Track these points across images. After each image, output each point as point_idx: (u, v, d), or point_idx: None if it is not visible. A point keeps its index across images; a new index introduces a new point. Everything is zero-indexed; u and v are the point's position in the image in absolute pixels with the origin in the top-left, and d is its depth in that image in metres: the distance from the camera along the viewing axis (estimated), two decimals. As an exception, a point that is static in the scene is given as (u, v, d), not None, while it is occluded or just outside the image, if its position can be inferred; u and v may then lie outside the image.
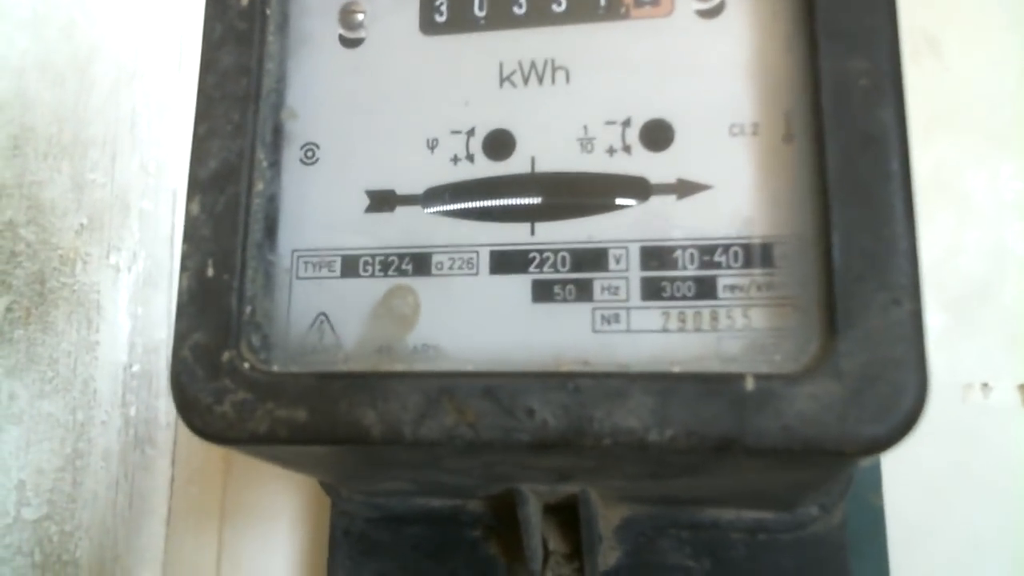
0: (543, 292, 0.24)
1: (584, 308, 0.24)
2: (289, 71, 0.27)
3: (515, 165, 0.25)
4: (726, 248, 0.23)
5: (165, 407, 0.50)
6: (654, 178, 0.24)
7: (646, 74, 0.25)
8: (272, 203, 0.26)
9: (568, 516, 0.31)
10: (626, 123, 0.25)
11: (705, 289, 0.23)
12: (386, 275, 0.25)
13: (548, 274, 0.24)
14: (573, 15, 0.26)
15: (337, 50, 0.27)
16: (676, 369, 0.22)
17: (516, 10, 0.26)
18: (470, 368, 0.23)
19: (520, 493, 0.29)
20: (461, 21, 0.27)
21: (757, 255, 0.23)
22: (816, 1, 0.23)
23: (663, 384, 0.21)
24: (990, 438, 0.40)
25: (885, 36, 0.22)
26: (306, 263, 0.26)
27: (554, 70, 0.26)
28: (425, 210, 0.26)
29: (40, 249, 0.45)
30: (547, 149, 0.25)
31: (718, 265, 0.23)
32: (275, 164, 0.26)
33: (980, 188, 0.42)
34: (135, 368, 0.49)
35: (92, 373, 0.47)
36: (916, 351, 0.20)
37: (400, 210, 0.26)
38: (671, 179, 0.24)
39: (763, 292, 0.23)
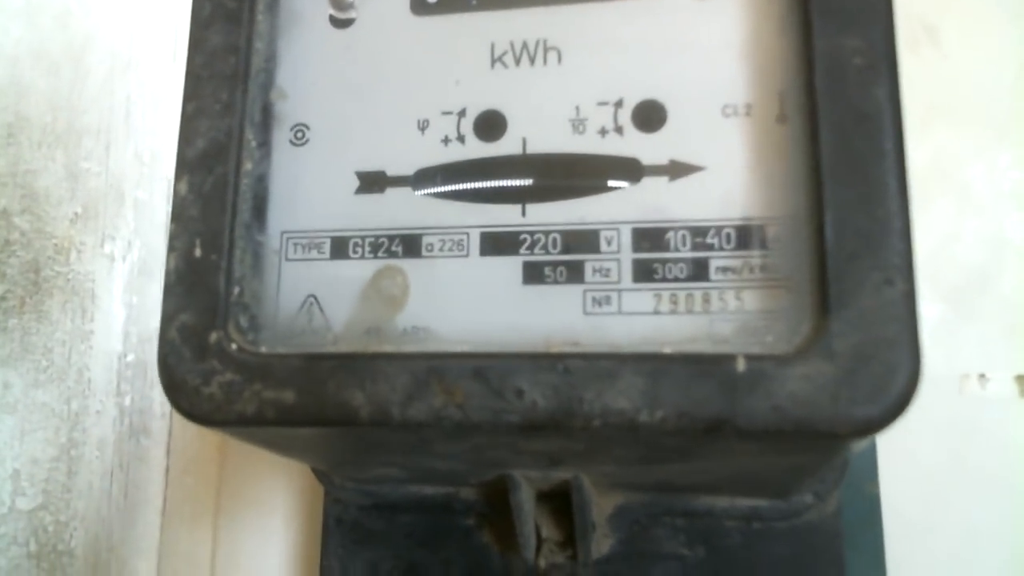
0: (534, 274, 0.24)
1: (575, 290, 0.24)
2: (279, 51, 0.27)
3: (506, 146, 0.25)
4: (719, 230, 0.23)
5: (160, 397, 0.50)
6: (646, 159, 0.24)
7: (639, 54, 0.25)
8: (261, 183, 0.26)
9: (561, 503, 0.30)
10: (618, 104, 0.25)
11: (697, 271, 0.23)
12: (376, 257, 0.25)
13: (539, 256, 0.24)
14: (566, -5, 0.26)
15: (328, 30, 0.27)
16: (667, 350, 0.22)
17: (508, -10, 0.26)
18: (459, 349, 0.23)
19: (512, 479, 0.29)
20: (452, 1, 0.26)
21: (750, 237, 0.23)
22: (810, -21, 0.22)
23: (654, 365, 0.21)
24: (987, 429, 0.39)
25: (880, 14, 0.22)
26: (295, 244, 0.26)
27: (546, 51, 0.25)
28: (415, 191, 0.25)
29: (34, 238, 0.45)
30: (539, 130, 0.25)
31: (710, 247, 0.23)
32: (264, 144, 0.26)
33: (978, 178, 0.42)
34: (130, 358, 0.49)
35: (87, 362, 0.46)
36: (909, 331, 0.20)
37: (390, 191, 0.26)
38: (663, 160, 0.24)
39: (756, 274, 0.23)
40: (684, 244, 0.23)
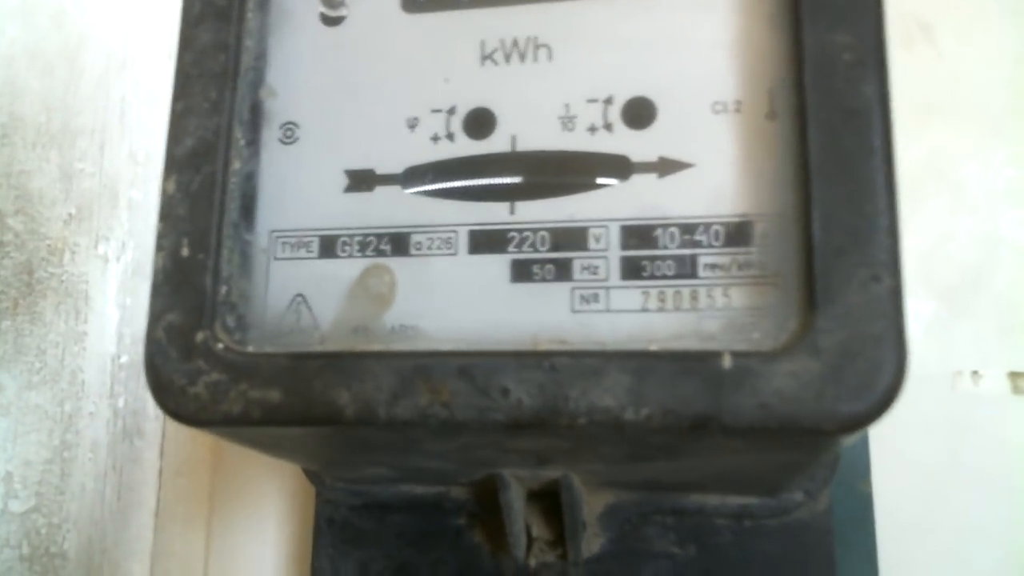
0: (522, 272, 0.24)
1: (563, 288, 0.24)
2: (270, 49, 0.27)
3: (496, 144, 0.25)
4: (707, 227, 0.23)
5: (154, 398, 0.49)
6: (636, 156, 0.24)
7: (628, 51, 0.25)
8: (249, 182, 0.25)
9: (551, 502, 0.30)
10: (608, 101, 0.25)
11: (686, 268, 0.23)
12: (364, 255, 0.25)
13: (527, 253, 0.24)
14: (556, -8, 0.26)
15: (318, 28, 0.27)
16: (653, 347, 0.22)
17: (498, -13, 0.26)
18: (446, 348, 0.23)
19: (501, 478, 0.29)
20: (443, -1, 0.26)
21: (738, 233, 0.23)
22: (798, -25, 0.22)
23: (640, 362, 0.21)
24: (980, 426, 0.39)
25: (869, 10, 0.22)
26: (284, 243, 0.26)
27: (536, 48, 0.25)
28: (404, 190, 0.25)
29: (28, 239, 0.45)
30: (528, 128, 0.25)
31: (699, 244, 0.23)
32: (253, 143, 0.26)
33: (973, 176, 0.42)
34: (123, 359, 0.49)
35: (80, 364, 0.46)
36: (895, 327, 0.20)
37: (379, 190, 0.25)
38: (653, 157, 0.24)
39: (744, 271, 0.23)
40: (673, 241, 0.23)
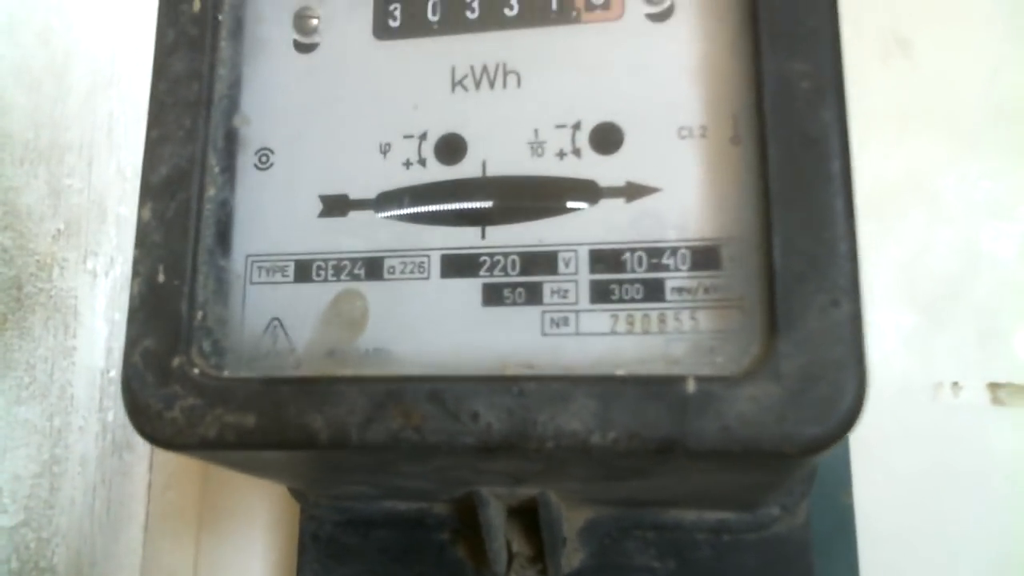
0: (493, 296, 0.24)
1: (533, 311, 0.24)
2: (244, 76, 0.27)
3: (467, 169, 0.25)
4: (674, 251, 0.23)
5: (143, 412, 0.50)
6: (603, 181, 0.25)
7: (596, 77, 0.25)
8: (224, 208, 0.26)
9: (531, 519, 0.31)
10: (576, 126, 0.25)
11: (653, 292, 0.23)
12: (339, 280, 0.25)
13: (498, 277, 0.24)
14: (525, 19, 0.26)
15: (291, 55, 0.27)
16: (620, 372, 0.22)
17: (469, 14, 0.26)
18: (418, 372, 0.23)
19: (480, 496, 0.29)
20: (414, 26, 0.27)
21: (705, 257, 0.23)
22: (759, 3, 0.23)
23: (606, 387, 0.21)
24: (960, 437, 0.40)
25: (826, 38, 0.22)
26: (260, 268, 0.26)
27: (505, 74, 0.26)
28: (377, 214, 0.26)
29: (17, 255, 0.45)
30: (498, 153, 0.25)
31: (666, 267, 0.23)
32: (228, 169, 0.26)
33: (950, 187, 0.42)
34: (112, 373, 0.49)
35: (69, 379, 0.47)
36: (855, 352, 0.20)
37: (353, 215, 0.26)
38: (620, 182, 0.24)
39: (710, 294, 0.23)
40: (640, 265, 0.24)
